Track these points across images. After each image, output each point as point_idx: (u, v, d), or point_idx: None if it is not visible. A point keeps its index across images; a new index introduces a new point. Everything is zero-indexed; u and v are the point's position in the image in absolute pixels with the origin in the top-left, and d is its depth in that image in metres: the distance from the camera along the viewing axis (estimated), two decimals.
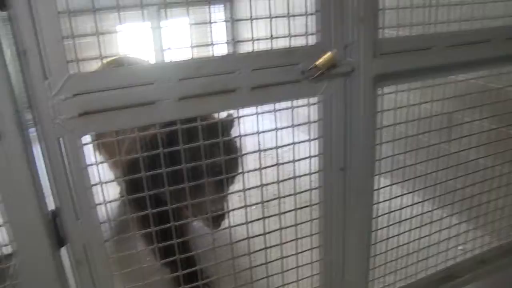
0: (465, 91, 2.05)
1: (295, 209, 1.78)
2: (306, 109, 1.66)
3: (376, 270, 2.00)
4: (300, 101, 1.61)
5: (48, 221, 1.39)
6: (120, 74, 1.39)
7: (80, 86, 1.33)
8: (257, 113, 1.57)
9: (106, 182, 1.47)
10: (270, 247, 1.76)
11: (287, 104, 1.60)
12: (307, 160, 1.70)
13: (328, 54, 1.55)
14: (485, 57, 1.87)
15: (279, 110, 1.60)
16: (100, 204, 1.45)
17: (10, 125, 1.25)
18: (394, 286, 2.11)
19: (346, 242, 1.85)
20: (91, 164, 1.42)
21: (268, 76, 1.52)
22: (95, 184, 1.44)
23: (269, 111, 1.60)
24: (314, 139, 1.67)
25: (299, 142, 1.67)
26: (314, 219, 1.79)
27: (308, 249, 1.84)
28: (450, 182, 2.09)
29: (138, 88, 1.39)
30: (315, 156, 1.70)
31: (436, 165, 2.01)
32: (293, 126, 1.63)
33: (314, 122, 1.65)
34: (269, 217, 1.73)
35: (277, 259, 1.81)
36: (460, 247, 2.27)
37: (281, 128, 1.64)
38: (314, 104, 1.64)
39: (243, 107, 1.54)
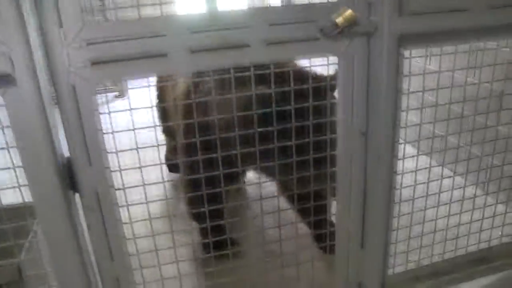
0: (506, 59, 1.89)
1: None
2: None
3: (398, 245, 1.91)
4: (319, 61, 1.56)
5: (62, 166, 1.44)
6: (133, 25, 1.39)
7: (94, 35, 1.35)
8: None
9: (117, 132, 1.50)
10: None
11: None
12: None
13: (349, 11, 1.48)
14: None
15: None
16: (112, 152, 1.48)
17: (25, 71, 1.29)
18: (417, 264, 2.01)
19: (366, 211, 1.79)
20: (105, 113, 1.44)
21: (285, 32, 1.47)
22: (107, 133, 1.47)
23: None
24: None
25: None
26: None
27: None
28: (486, 158, 1.96)
29: (151, 39, 1.39)
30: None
31: (471, 139, 1.89)
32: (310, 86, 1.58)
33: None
34: None
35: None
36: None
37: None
38: (334, 64, 1.57)
39: (257, 62, 1.51)
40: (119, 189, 1.55)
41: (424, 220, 1.94)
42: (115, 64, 1.39)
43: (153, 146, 1.61)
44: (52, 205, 1.44)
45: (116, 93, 5.44)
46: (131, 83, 5.11)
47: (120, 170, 1.56)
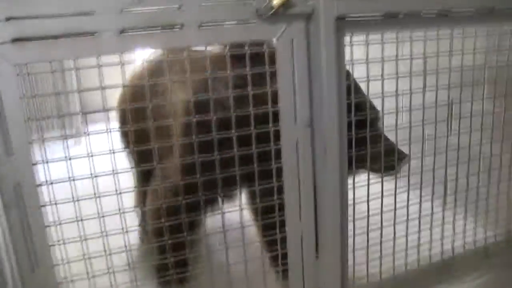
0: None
1: None
2: None
3: (357, 254, 1.76)
4: None
5: None
6: (58, 0, 1.31)
7: (14, 10, 1.25)
8: None
9: (43, 118, 1.37)
10: None
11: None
12: None
13: None
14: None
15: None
16: (35, 141, 1.33)
17: None
18: (378, 277, 1.84)
19: (318, 212, 1.65)
20: (27, 97, 1.31)
21: (218, 13, 1.42)
22: (31, 119, 1.33)
23: None
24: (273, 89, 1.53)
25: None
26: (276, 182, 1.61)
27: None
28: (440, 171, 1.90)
29: (77, 17, 1.31)
30: (273, 109, 1.55)
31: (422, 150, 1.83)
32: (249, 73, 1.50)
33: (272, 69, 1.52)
34: None
35: None
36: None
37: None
38: (271, 49, 1.52)
39: (190, 45, 1.43)
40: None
41: (382, 226, 1.81)
42: (39, 42, 1.28)
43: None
44: None
45: (72, 140, 5.21)
46: (88, 128, 4.96)
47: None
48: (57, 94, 4.00)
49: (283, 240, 1.71)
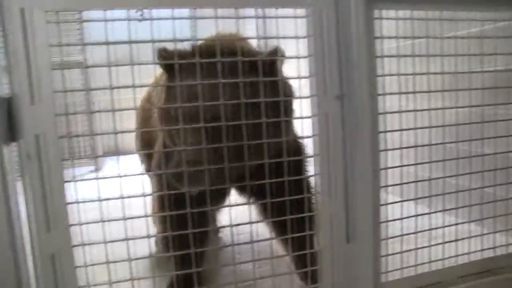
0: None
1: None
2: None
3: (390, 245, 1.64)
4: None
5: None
6: None
7: None
8: None
9: (68, 68, 1.37)
10: None
11: (270, 12, 1.49)
12: None
13: None
14: None
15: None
16: (60, 91, 1.33)
17: None
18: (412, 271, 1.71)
19: (349, 192, 1.57)
20: (55, 45, 1.33)
21: None
22: (57, 68, 1.34)
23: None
24: (303, 57, 1.52)
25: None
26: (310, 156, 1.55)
27: None
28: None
29: None
30: (305, 77, 1.53)
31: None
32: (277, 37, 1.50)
33: (303, 37, 1.52)
34: None
35: None
36: None
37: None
38: (302, 17, 1.52)
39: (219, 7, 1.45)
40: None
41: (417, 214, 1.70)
42: None
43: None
44: None
45: (92, 168, 5.20)
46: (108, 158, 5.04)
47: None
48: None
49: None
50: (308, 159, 1.84)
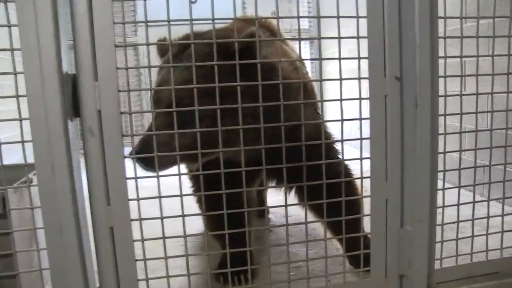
0: None
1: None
2: None
3: (446, 227, 1.61)
4: None
5: (64, 80, 1.31)
6: None
7: None
8: None
9: (130, 46, 1.39)
10: None
11: None
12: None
13: None
14: None
15: None
16: (121, 68, 1.36)
17: None
18: (470, 259, 1.66)
19: (405, 175, 1.54)
20: (119, 23, 1.35)
21: None
22: (120, 46, 1.36)
23: None
24: (362, 37, 1.48)
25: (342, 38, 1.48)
26: (364, 138, 1.53)
27: None
28: None
29: None
30: (363, 58, 1.49)
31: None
32: (338, 17, 1.47)
33: (362, 17, 1.47)
34: None
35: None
36: None
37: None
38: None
39: None
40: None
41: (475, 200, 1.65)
42: None
43: None
44: (51, 127, 1.29)
45: None
46: None
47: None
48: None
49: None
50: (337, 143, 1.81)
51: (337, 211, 1.58)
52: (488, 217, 1.68)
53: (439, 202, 1.57)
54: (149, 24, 1.33)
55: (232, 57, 1.47)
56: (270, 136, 1.53)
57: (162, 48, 1.77)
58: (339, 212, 1.57)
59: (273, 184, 2.05)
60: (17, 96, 1.30)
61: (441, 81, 1.54)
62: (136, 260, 1.45)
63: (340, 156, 1.73)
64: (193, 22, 1.39)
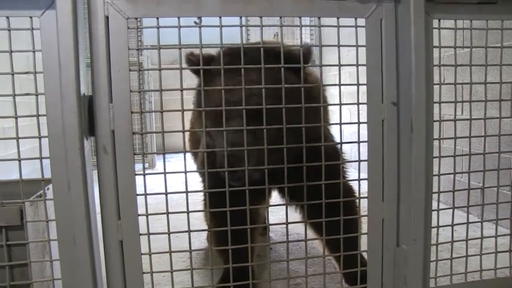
0: None
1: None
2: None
3: (441, 248, 1.67)
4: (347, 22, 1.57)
5: (82, 104, 1.40)
6: None
7: None
8: None
9: (146, 69, 1.49)
10: None
11: (333, 22, 1.56)
12: None
13: None
14: None
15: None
16: (135, 91, 1.45)
17: None
18: (463, 278, 1.72)
19: (401, 196, 1.61)
20: (134, 49, 1.45)
21: None
22: (134, 70, 1.46)
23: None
24: (361, 64, 1.57)
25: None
26: (362, 160, 1.61)
27: None
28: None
29: None
30: (362, 84, 1.58)
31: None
32: (338, 46, 1.57)
33: (361, 46, 1.57)
34: None
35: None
36: None
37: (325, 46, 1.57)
38: (361, 26, 1.58)
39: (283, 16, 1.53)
40: None
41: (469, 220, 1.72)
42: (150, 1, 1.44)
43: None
44: (68, 145, 1.38)
45: (146, 165, 5.46)
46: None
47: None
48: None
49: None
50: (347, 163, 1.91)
51: (337, 229, 1.65)
52: (482, 237, 1.74)
53: (434, 222, 1.65)
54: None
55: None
56: (293, 154, 1.61)
57: (194, 59, 1.79)
58: (339, 230, 1.65)
59: (280, 201, 2.12)
60: (37, 116, 1.41)
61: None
62: (143, 273, 1.52)
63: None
64: (203, 46, 1.50)
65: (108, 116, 1.43)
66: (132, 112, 1.45)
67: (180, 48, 1.48)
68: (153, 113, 5.20)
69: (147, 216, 1.49)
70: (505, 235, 1.80)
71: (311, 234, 1.98)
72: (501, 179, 1.76)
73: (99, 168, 1.46)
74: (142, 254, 1.51)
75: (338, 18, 1.55)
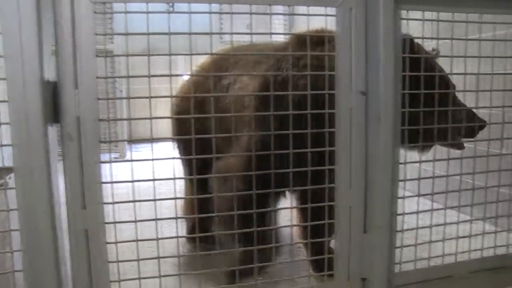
0: None
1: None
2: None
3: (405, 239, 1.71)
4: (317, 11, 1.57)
5: (45, 86, 1.35)
6: None
7: None
8: None
9: (112, 55, 1.45)
10: None
11: (303, 10, 1.56)
12: None
13: None
14: None
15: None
16: (101, 77, 1.41)
17: None
18: (428, 263, 1.77)
19: (369, 185, 1.64)
20: (100, 34, 1.41)
21: None
22: (101, 55, 1.42)
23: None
24: (331, 54, 1.58)
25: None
26: (330, 148, 1.62)
27: None
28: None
29: None
30: (331, 73, 1.59)
31: None
32: (309, 34, 1.56)
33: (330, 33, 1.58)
34: None
35: None
36: None
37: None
38: (331, 15, 1.58)
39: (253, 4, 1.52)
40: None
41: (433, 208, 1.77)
42: None
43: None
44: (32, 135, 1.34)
45: (116, 155, 5.33)
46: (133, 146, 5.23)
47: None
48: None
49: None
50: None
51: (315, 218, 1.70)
52: (445, 224, 1.80)
53: (400, 209, 1.69)
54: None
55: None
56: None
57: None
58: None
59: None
60: None
61: None
62: (109, 262, 1.49)
63: None
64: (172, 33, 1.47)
65: (73, 102, 1.39)
66: (98, 99, 1.41)
67: (148, 35, 1.44)
68: (124, 103, 5.06)
69: (113, 204, 1.47)
70: (465, 221, 1.86)
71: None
72: (464, 168, 1.81)
73: (64, 155, 1.42)
74: (107, 243, 1.49)
75: (308, 6, 1.55)
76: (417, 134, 1.70)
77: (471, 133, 1.90)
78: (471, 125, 1.86)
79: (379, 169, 1.62)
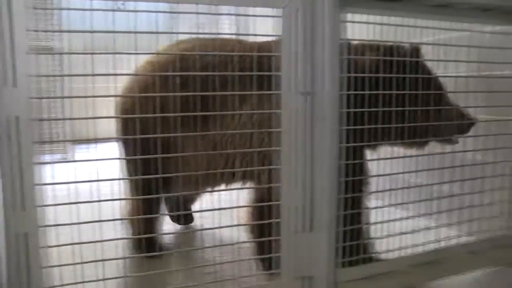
0: None
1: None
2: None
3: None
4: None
5: None
6: None
7: None
8: None
9: (45, 53, 1.40)
10: None
11: (248, 11, 1.56)
12: None
13: None
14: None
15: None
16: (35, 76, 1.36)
17: None
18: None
19: (314, 184, 1.67)
20: (40, 30, 1.36)
21: None
22: (35, 52, 1.37)
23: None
24: (276, 54, 1.59)
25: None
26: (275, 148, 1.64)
27: None
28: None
29: None
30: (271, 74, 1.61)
31: None
32: (255, 35, 1.57)
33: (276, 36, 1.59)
34: None
35: None
36: None
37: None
38: (276, 16, 1.59)
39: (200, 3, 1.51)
40: None
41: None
42: None
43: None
44: None
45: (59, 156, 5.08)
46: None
47: None
48: None
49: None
50: None
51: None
52: (388, 221, 1.86)
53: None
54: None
55: None
56: None
57: None
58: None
59: None
60: None
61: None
62: (47, 267, 1.45)
63: None
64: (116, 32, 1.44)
65: (11, 101, 1.34)
66: (37, 98, 1.37)
67: (92, 33, 1.41)
68: (67, 102, 4.83)
69: (47, 207, 1.42)
70: (407, 218, 1.93)
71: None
72: (406, 168, 1.88)
73: (1, 156, 1.36)
74: (49, 246, 1.44)
75: (254, 7, 1.56)
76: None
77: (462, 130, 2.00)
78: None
79: (324, 169, 1.65)
